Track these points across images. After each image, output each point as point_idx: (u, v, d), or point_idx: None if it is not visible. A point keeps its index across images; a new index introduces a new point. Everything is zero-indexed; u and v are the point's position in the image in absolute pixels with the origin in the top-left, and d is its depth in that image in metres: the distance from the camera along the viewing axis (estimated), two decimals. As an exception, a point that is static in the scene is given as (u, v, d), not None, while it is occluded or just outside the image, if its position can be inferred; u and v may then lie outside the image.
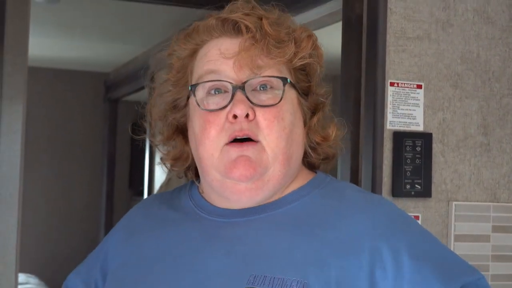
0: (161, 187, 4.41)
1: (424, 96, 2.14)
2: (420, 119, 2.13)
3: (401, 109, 2.11)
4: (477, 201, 2.19)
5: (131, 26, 4.87)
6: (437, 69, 2.16)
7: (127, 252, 1.20)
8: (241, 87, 1.08)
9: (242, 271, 1.04)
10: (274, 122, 1.08)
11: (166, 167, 1.25)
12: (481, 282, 1.07)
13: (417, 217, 2.08)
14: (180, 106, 1.17)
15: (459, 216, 2.16)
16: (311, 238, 1.07)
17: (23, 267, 5.88)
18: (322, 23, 2.67)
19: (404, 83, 2.11)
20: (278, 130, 1.09)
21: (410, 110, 2.12)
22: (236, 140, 1.07)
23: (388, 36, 2.10)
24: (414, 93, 2.12)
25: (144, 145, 5.39)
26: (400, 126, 2.11)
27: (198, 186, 1.23)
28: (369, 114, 2.10)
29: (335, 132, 1.20)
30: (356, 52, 2.17)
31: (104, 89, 6.87)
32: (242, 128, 1.07)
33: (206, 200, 1.19)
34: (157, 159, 5.36)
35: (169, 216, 1.21)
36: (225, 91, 1.09)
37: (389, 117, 2.09)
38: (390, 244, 1.05)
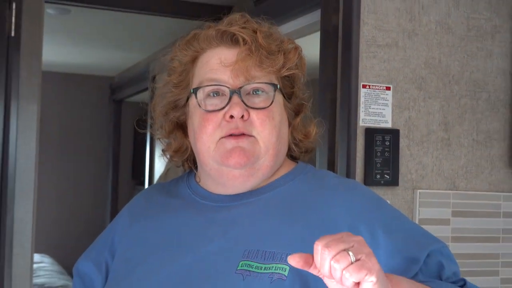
0: (160, 177, 4.39)
1: (392, 97, 2.14)
2: (388, 117, 2.13)
3: (372, 108, 2.11)
4: (439, 189, 2.20)
5: (133, 35, 4.85)
6: (404, 73, 2.16)
7: (132, 235, 1.20)
8: (237, 91, 1.10)
9: (238, 247, 1.05)
10: (266, 121, 1.11)
11: (166, 157, 1.26)
12: (444, 249, 1.09)
13: (386, 203, 2.09)
14: (180, 105, 1.19)
15: (422, 202, 2.17)
16: (297, 218, 1.08)
17: (38, 248, 5.85)
18: (302, 32, 2.68)
19: (374, 85, 2.12)
20: (270, 128, 1.11)
21: (380, 109, 2.12)
22: (231, 135, 1.10)
23: (360, 44, 2.10)
24: (384, 94, 2.13)
25: (145, 141, 5.38)
26: (371, 123, 2.11)
27: (194, 176, 1.24)
28: (344, 112, 2.10)
29: (315, 130, 1.23)
30: (333, 58, 2.17)
31: (109, 91, 6.86)
32: (237, 126, 1.09)
33: (202, 187, 1.20)
34: (157, 152, 5.36)
35: (169, 203, 1.22)
36: (223, 94, 1.11)
37: (362, 115, 2.10)
38: (366, 221, 1.07)
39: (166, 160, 1.27)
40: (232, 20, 1.16)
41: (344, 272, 0.76)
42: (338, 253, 0.76)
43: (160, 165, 4.95)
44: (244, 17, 1.17)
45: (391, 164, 2.11)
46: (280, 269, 1.00)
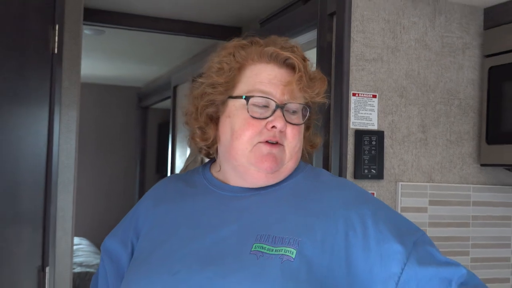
0: (180, 172, 4.40)
1: (378, 103, 2.14)
2: (375, 120, 2.13)
3: (361, 113, 2.11)
4: (417, 182, 2.20)
5: (157, 52, 4.85)
6: (388, 83, 2.16)
7: (154, 217, 1.19)
8: (282, 107, 1.11)
9: (250, 232, 1.05)
10: (296, 135, 1.13)
11: (193, 146, 1.24)
12: (424, 237, 1.09)
13: (372, 194, 2.09)
14: (217, 103, 1.16)
15: (404, 193, 2.16)
16: (300, 208, 1.09)
17: (77, 232, 5.88)
18: (302, 49, 2.67)
19: (363, 94, 2.11)
20: (297, 140, 1.13)
21: (367, 113, 2.12)
22: (267, 142, 1.11)
23: (351, 59, 2.10)
24: (371, 101, 2.13)
25: (167, 141, 5.38)
26: (360, 126, 2.11)
27: (210, 168, 1.23)
28: (337, 117, 2.10)
29: (320, 142, 1.26)
30: (327, 70, 2.17)
31: (137, 99, 6.87)
32: (275, 135, 1.10)
33: (218, 179, 1.19)
34: (177, 151, 5.32)
35: (186, 190, 1.21)
36: (268, 106, 1.11)
37: (352, 119, 2.09)
38: (358, 212, 1.07)
39: (189, 147, 1.26)
40: (281, 43, 1.16)
41: None
42: None
43: (180, 162, 4.96)
44: (292, 45, 1.17)
45: (377, 160, 2.11)
46: (288, 252, 1.01)
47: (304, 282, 0.98)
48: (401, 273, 1.01)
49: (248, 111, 1.10)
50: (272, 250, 1.01)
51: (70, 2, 2.40)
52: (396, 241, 1.03)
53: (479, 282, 1.05)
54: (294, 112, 1.13)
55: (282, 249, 1.01)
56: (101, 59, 5.31)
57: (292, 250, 1.01)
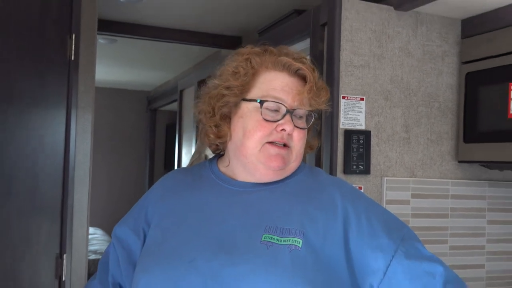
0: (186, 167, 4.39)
1: (365, 106, 2.14)
2: (362, 121, 2.13)
3: (350, 114, 2.11)
4: (401, 177, 2.20)
5: (165, 59, 4.85)
6: (374, 87, 2.16)
7: (163, 207, 1.18)
8: (291, 112, 1.11)
9: (258, 224, 1.05)
10: (302, 138, 1.14)
11: (206, 141, 1.22)
12: (410, 232, 1.10)
13: (360, 188, 2.09)
14: (230, 104, 1.16)
15: (389, 187, 2.16)
16: (303, 202, 1.09)
17: (92, 223, 5.89)
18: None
19: (351, 97, 2.11)
20: (302, 143, 1.14)
21: (356, 115, 2.12)
22: (274, 143, 1.11)
23: (341, 65, 2.10)
24: (359, 103, 2.13)
25: (174, 139, 5.38)
26: (349, 126, 2.11)
27: (217, 163, 1.22)
28: (328, 118, 2.10)
29: (317, 144, 1.25)
30: (319, 76, 2.17)
31: (146, 102, 6.87)
32: (283, 138, 1.11)
33: (225, 174, 1.18)
34: (184, 149, 5.30)
35: (193, 183, 1.20)
36: (279, 110, 1.11)
37: (342, 119, 2.09)
38: (353, 206, 1.08)
39: (194, 145, 1.26)
40: (294, 55, 1.17)
41: None
42: None
43: (186, 159, 4.95)
44: (298, 53, 1.19)
45: (364, 157, 2.11)
46: (295, 242, 1.01)
47: (311, 270, 0.99)
48: (389, 265, 1.02)
49: (261, 114, 1.11)
50: (281, 241, 1.01)
51: (85, 14, 2.40)
52: (385, 236, 1.04)
53: (457, 277, 1.07)
54: (300, 117, 1.14)
55: (289, 239, 1.01)
56: (114, 66, 5.30)
57: (299, 240, 1.01)
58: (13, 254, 1.98)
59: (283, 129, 1.10)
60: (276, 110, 1.11)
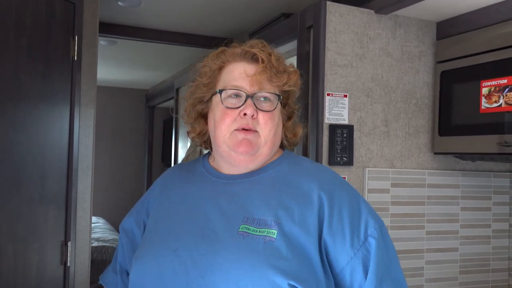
0: (182, 160, 4.39)
1: (349, 102, 2.15)
2: (346, 116, 2.14)
3: (334, 110, 2.12)
4: (381, 168, 2.22)
5: (162, 60, 4.84)
6: (356, 85, 2.17)
7: (161, 200, 1.19)
8: (251, 96, 1.08)
9: (239, 214, 1.04)
10: (269, 121, 1.09)
11: (190, 138, 1.23)
12: (380, 230, 1.05)
13: (344, 177, 2.10)
14: (204, 101, 1.16)
15: (370, 177, 2.18)
16: (281, 192, 1.07)
17: (95, 212, 5.89)
18: (284, 56, 2.68)
19: (336, 94, 2.12)
20: (270, 126, 1.09)
21: (340, 110, 2.13)
22: (242, 129, 1.08)
23: (326, 65, 2.11)
24: (342, 100, 2.14)
25: (171, 135, 5.37)
26: (333, 121, 2.12)
27: (208, 158, 1.22)
28: (314, 113, 2.11)
29: (301, 131, 1.21)
30: (306, 75, 2.18)
31: (145, 99, 6.83)
32: (248, 123, 1.08)
33: (213, 168, 1.18)
34: (180, 143, 5.29)
35: (188, 178, 1.21)
36: (240, 97, 1.09)
37: (327, 115, 2.10)
38: (329, 195, 1.05)
39: (189, 140, 1.25)
40: (253, 44, 1.14)
41: None
42: None
43: (182, 152, 4.95)
44: (262, 42, 1.15)
45: (347, 150, 2.12)
46: (270, 233, 1.00)
47: (284, 258, 0.98)
48: (346, 265, 1.00)
49: (222, 103, 1.10)
50: (257, 231, 1.00)
51: (87, 17, 2.39)
52: (349, 236, 1.01)
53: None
54: (266, 99, 1.10)
55: (265, 231, 1.00)
56: (114, 66, 5.28)
57: (274, 231, 1.00)
58: (23, 241, 1.98)
59: (245, 114, 1.07)
60: (238, 96, 1.09)
